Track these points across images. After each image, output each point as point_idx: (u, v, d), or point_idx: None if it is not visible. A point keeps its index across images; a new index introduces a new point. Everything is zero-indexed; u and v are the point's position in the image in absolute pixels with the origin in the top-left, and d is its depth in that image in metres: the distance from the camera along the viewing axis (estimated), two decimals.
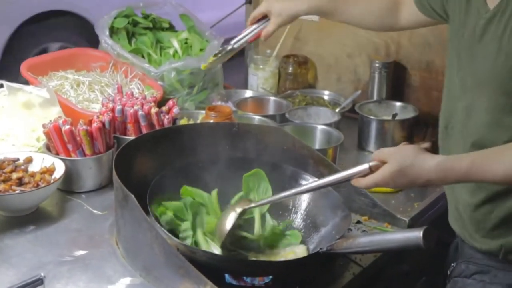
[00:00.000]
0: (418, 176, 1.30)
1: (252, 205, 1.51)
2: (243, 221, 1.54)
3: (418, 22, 1.75)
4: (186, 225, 1.50)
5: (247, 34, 1.87)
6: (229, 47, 1.89)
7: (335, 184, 1.45)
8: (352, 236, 1.39)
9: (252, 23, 1.85)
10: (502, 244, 1.44)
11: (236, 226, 1.47)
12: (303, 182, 1.65)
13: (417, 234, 1.25)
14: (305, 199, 1.65)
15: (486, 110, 1.40)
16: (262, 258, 1.48)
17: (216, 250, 1.46)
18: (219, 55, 1.91)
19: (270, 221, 1.62)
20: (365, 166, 1.36)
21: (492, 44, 1.37)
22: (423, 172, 1.29)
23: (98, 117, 1.81)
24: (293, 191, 1.48)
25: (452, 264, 1.59)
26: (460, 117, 1.47)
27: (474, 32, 1.42)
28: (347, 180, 1.40)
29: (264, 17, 1.84)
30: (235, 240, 1.50)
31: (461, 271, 1.55)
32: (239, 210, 1.48)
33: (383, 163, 1.34)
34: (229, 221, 1.46)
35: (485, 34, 1.39)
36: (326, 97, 2.45)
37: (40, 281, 1.32)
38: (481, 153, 1.32)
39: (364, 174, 1.36)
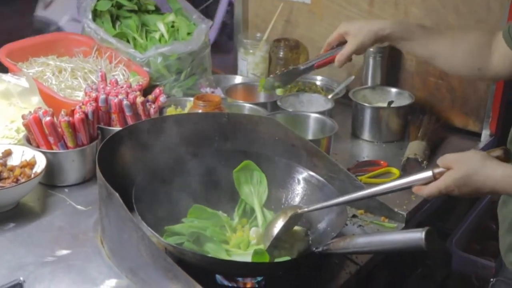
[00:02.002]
0: (484, 185, 1.25)
1: (305, 209, 1.43)
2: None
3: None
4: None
5: (316, 59, 1.75)
6: (293, 67, 1.82)
7: (397, 190, 1.36)
8: (350, 236, 1.32)
9: (327, 50, 1.72)
10: None
11: (284, 229, 1.41)
12: (296, 176, 1.59)
13: (419, 235, 1.19)
14: (298, 193, 1.59)
15: None
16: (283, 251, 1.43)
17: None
18: (278, 73, 1.85)
19: (268, 215, 1.56)
20: (428, 173, 1.30)
21: None
22: (489, 181, 1.25)
23: (80, 107, 1.74)
24: (347, 197, 1.39)
25: (492, 280, 1.55)
26: None
27: None
28: (409, 187, 1.33)
29: (341, 44, 1.69)
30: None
31: None
32: (290, 214, 1.42)
33: (448, 169, 1.28)
34: (278, 224, 1.40)
35: None
36: (318, 83, 2.38)
37: (19, 285, 1.26)
38: None
39: (427, 182, 1.30)
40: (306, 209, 1.43)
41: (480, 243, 2.02)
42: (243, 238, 1.48)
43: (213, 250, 1.41)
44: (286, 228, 1.40)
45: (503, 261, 1.52)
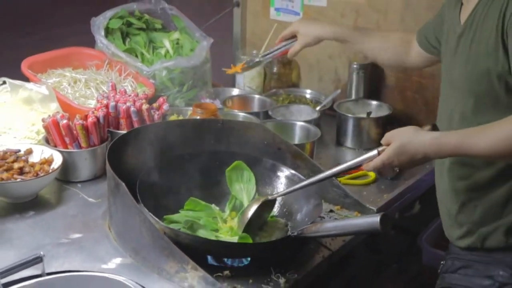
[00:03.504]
0: (416, 151, 1.43)
1: (274, 195, 1.67)
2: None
3: (423, 61, 1.92)
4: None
5: (275, 50, 2.08)
6: (257, 59, 2.12)
7: (348, 170, 1.58)
8: (320, 222, 1.54)
9: (281, 41, 2.06)
10: (479, 234, 1.57)
11: (257, 214, 1.62)
12: (280, 174, 1.79)
13: (375, 219, 1.39)
14: (282, 189, 1.77)
15: (462, 114, 1.55)
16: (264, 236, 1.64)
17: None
18: (246, 65, 2.14)
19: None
20: (373, 152, 1.50)
21: (463, 55, 1.54)
22: (420, 147, 1.43)
23: (93, 112, 1.95)
24: (308, 181, 1.61)
25: (442, 262, 1.73)
26: (445, 125, 1.62)
27: (451, 47, 1.60)
28: (359, 165, 1.54)
29: (293, 37, 2.04)
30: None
31: (448, 267, 1.68)
32: (262, 199, 1.64)
33: (388, 144, 1.48)
34: (251, 209, 1.62)
35: (458, 46, 1.56)
36: (308, 96, 2.60)
37: (39, 259, 1.43)
38: (467, 130, 1.45)
39: (373, 159, 1.50)
40: (275, 195, 1.66)
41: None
42: (232, 228, 1.69)
43: (204, 236, 1.60)
44: (259, 212, 1.61)
45: (449, 239, 1.69)
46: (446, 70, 1.65)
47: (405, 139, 1.45)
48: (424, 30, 1.87)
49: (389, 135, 1.49)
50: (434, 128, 1.48)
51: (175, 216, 1.69)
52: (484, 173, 1.55)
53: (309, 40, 2.00)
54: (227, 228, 1.67)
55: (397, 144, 1.45)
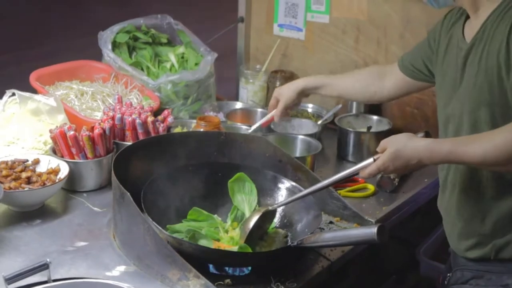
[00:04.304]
0: (411, 157, 1.47)
1: (275, 206, 1.71)
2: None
3: (403, 88, 1.99)
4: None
5: (261, 121, 2.20)
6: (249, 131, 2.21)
7: (346, 178, 1.63)
8: (319, 232, 1.57)
9: (270, 111, 2.17)
10: (493, 246, 1.58)
11: (258, 224, 1.66)
12: (281, 185, 1.83)
13: (372, 230, 1.43)
14: (283, 200, 1.81)
15: (473, 126, 1.56)
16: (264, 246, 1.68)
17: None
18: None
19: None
20: (369, 159, 1.55)
21: (473, 68, 1.57)
22: (414, 152, 1.47)
23: (99, 124, 2.00)
24: (307, 190, 1.66)
25: (448, 274, 1.74)
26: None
27: (457, 64, 1.63)
28: (356, 173, 1.59)
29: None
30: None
31: (457, 278, 1.69)
32: (263, 210, 1.68)
33: (384, 151, 1.52)
34: (253, 220, 1.65)
35: (467, 61, 1.59)
36: (310, 110, 2.64)
37: (46, 266, 1.46)
38: (461, 138, 1.50)
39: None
40: (275, 206, 1.70)
41: (446, 252, 2.24)
42: (233, 238, 1.71)
43: (206, 245, 1.64)
44: (260, 223, 1.65)
45: (455, 251, 1.71)
46: (451, 86, 1.66)
47: (400, 145, 1.49)
48: (409, 57, 1.94)
49: (384, 142, 1.54)
50: (427, 135, 1.51)
51: (177, 226, 1.73)
52: (491, 185, 1.57)
53: (288, 98, 2.09)
54: (228, 238, 1.71)
55: (392, 150, 1.49)
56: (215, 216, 1.80)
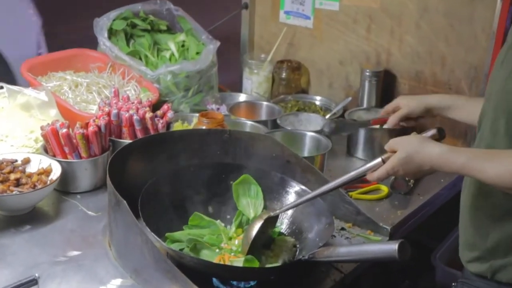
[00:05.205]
0: (423, 163, 1.40)
1: (277, 211, 1.59)
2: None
3: None
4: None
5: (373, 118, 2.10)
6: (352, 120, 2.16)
7: (353, 181, 1.54)
8: (333, 246, 1.45)
9: (384, 114, 2.03)
10: (490, 265, 1.50)
11: (260, 231, 1.54)
12: (290, 189, 1.72)
13: (393, 247, 1.31)
14: (285, 206, 1.70)
15: (493, 132, 1.45)
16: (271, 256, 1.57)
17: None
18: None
19: None
20: (377, 159, 1.46)
21: (507, 68, 1.43)
22: (427, 159, 1.39)
23: (94, 121, 1.87)
24: (314, 193, 1.56)
25: (454, 284, 1.66)
26: (477, 138, 1.54)
27: (499, 60, 1.50)
28: (363, 175, 1.49)
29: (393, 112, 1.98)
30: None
31: None
32: (265, 217, 1.56)
33: (393, 152, 1.43)
34: (255, 229, 1.54)
35: (505, 59, 1.46)
36: (318, 103, 2.51)
37: (34, 281, 1.39)
38: (478, 151, 1.39)
39: (378, 168, 1.45)
40: (278, 211, 1.59)
41: None
42: (237, 246, 1.60)
43: (208, 257, 1.52)
44: (263, 229, 1.54)
45: (460, 259, 1.62)
46: (489, 83, 1.55)
47: (412, 149, 1.41)
48: None
49: (394, 143, 1.45)
50: (440, 131, 1.42)
51: (177, 234, 1.61)
52: (502, 203, 1.47)
53: (413, 111, 1.89)
54: (231, 247, 1.59)
55: (403, 154, 1.42)
56: (218, 222, 1.69)
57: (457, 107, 1.82)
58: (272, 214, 1.59)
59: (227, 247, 1.59)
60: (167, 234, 1.58)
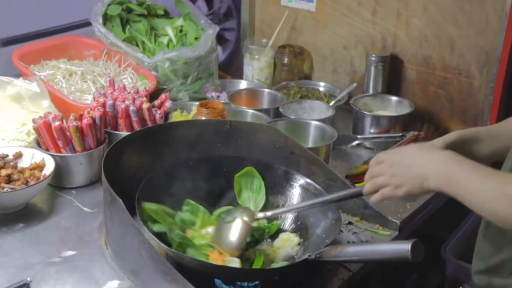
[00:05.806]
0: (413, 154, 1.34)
1: (261, 215, 1.53)
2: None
3: None
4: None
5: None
6: None
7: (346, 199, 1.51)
8: (341, 245, 1.38)
9: None
10: (489, 283, 1.43)
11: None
12: (294, 183, 1.65)
13: (405, 247, 1.23)
14: (295, 200, 1.64)
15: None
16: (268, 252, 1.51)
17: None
18: None
19: (261, 222, 1.60)
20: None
21: None
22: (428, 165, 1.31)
23: (88, 112, 1.79)
24: (309, 202, 1.52)
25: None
26: None
27: None
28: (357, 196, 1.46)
29: None
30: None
31: None
32: (251, 221, 1.49)
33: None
34: (242, 232, 1.47)
35: None
36: (321, 89, 2.42)
37: (26, 286, 1.32)
38: (470, 171, 1.26)
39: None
40: (262, 216, 1.54)
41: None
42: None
43: (193, 255, 1.42)
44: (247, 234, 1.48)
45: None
46: None
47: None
48: None
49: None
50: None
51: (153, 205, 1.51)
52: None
53: None
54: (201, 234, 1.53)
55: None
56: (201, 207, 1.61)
57: (482, 139, 1.52)
58: (259, 216, 1.53)
59: (189, 234, 1.51)
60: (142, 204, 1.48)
